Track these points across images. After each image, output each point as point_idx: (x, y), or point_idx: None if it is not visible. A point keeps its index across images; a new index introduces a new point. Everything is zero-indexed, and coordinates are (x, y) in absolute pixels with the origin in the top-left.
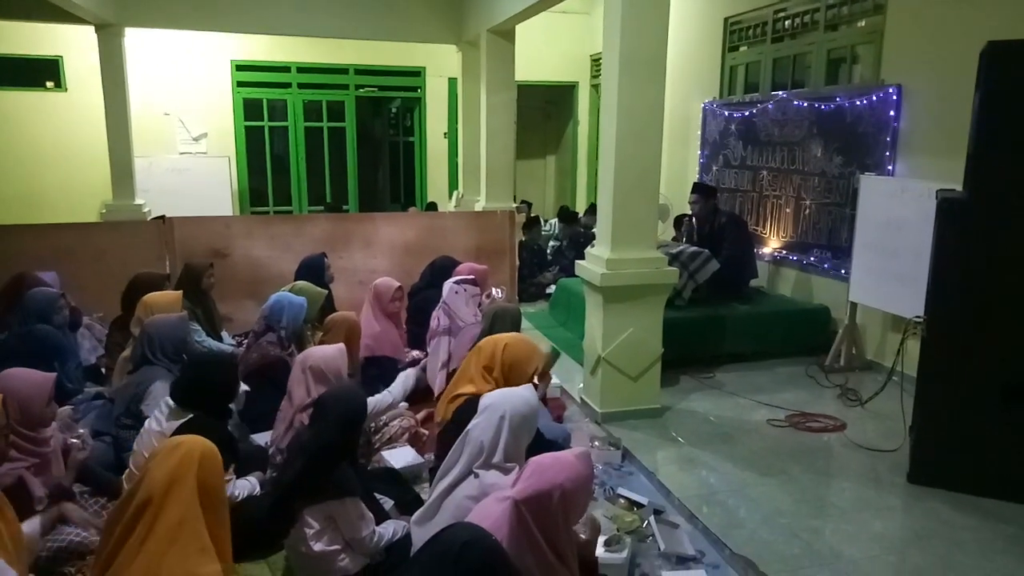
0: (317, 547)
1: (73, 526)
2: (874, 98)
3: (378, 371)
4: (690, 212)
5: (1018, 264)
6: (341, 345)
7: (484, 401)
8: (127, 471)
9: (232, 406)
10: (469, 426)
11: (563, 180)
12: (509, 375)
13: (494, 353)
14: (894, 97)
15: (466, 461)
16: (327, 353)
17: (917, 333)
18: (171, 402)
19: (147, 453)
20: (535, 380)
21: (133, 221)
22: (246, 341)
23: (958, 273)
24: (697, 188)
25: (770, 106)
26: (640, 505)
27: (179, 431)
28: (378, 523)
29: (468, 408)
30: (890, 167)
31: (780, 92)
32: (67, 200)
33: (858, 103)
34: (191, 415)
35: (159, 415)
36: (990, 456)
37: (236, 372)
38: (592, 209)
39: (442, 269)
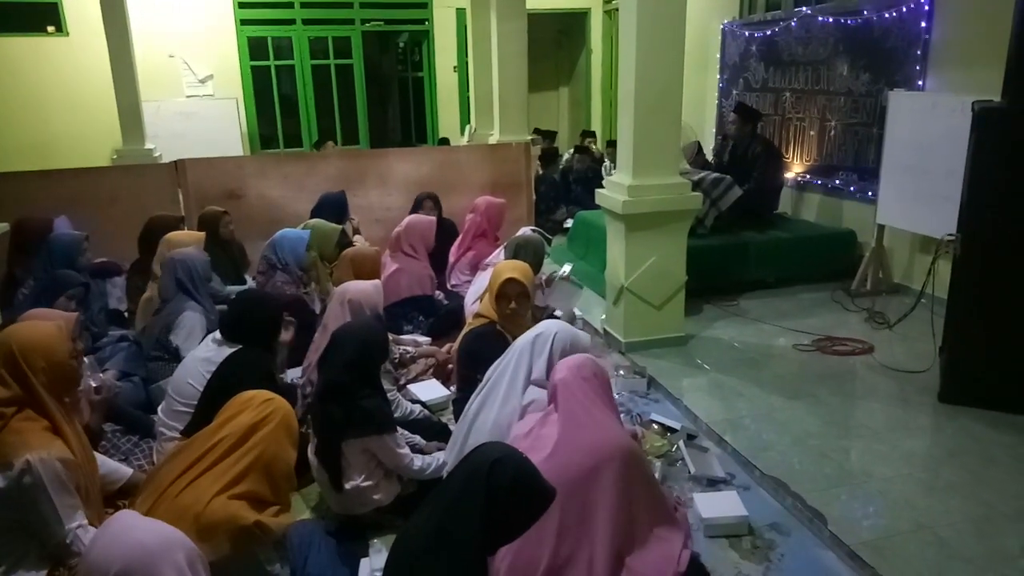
0: (349, 485)
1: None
2: (904, 9)
3: (402, 311)
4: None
5: None
6: (377, 281)
7: (532, 331)
8: (162, 404)
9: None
10: (514, 344)
11: (577, 112)
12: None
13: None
14: (926, 7)
15: (509, 378)
16: (364, 288)
17: (949, 253)
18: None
19: (192, 381)
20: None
21: (144, 165)
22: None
23: (994, 186)
24: (738, 108)
25: (793, 23)
26: (673, 430)
27: (227, 360)
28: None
29: (469, 335)
30: (920, 82)
31: (803, 8)
32: (77, 147)
33: (887, 15)
34: (239, 346)
35: (209, 343)
36: None
37: (280, 308)
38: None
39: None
